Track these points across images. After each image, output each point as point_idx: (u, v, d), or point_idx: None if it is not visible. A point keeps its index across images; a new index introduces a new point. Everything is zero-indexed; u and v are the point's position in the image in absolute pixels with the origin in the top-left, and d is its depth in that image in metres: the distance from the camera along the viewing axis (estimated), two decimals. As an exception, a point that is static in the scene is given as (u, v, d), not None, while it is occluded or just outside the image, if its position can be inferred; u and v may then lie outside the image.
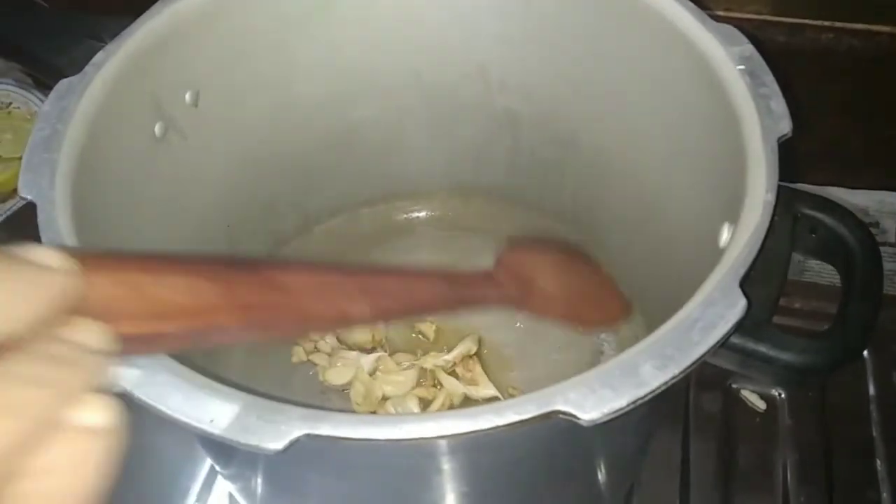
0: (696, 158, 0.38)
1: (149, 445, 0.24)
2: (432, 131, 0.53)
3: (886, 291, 0.60)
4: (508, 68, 0.48)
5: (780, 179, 0.72)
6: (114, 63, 0.37)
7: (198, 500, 0.49)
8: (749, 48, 0.35)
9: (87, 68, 0.37)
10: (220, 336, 0.22)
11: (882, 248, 0.65)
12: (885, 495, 0.47)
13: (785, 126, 0.32)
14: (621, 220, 0.49)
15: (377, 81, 0.49)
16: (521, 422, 0.24)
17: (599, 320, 0.41)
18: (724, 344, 0.28)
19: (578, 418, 0.24)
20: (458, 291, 0.32)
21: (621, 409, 0.25)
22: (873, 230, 0.67)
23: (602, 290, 0.41)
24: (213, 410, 0.25)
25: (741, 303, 0.27)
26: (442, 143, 0.54)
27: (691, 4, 0.38)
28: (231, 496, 0.48)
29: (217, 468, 0.44)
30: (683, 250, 0.40)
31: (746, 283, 0.29)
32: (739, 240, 0.29)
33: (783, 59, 0.62)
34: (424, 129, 0.53)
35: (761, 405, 0.52)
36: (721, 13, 0.63)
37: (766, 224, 0.29)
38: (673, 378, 0.25)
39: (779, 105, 0.33)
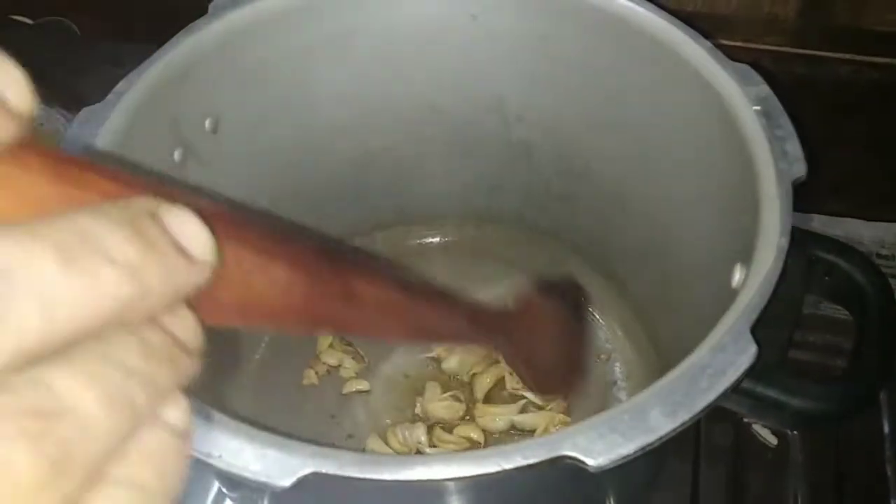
0: (709, 197, 0.38)
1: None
2: (449, 160, 0.53)
3: None
4: (525, 102, 0.48)
5: (797, 210, 0.72)
6: (135, 91, 0.38)
7: (206, 521, 0.49)
8: (765, 89, 0.35)
9: (109, 96, 0.37)
10: (276, 327, 0.19)
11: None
12: (897, 537, 0.46)
13: (800, 169, 0.32)
14: (633, 255, 0.49)
15: (395, 111, 0.50)
16: (529, 466, 0.24)
17: (552, 391, 0.43)
18: (734, 390, 0.28)
19: (586, 464, 0.24)
20: (454, 329, 0.31)
21: (629, 455, 0.25)
22: (889, 263, 0.66)
23: (571, 363, 0.43)
24: (221, 444, 0.25)
25: (752, 349, 0.27)
26: (458, 172, 0.54)
27: (708, 43, 0.38)
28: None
29: (225, 491, 0.44)
30: (696, 289, 0.40)
31: (758, 327, 0.29)
32: (752, 284, 0.29)
33: (802, 90, 0.63)
34: (441, 158, 0.53)
35: (773, 440, 0.52)
36: (740, 44, 0.63)
37: (779, 269, 0.29)
38: (682, 424, 0.25)
39: (794, 148, 0.33)
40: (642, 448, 0.25)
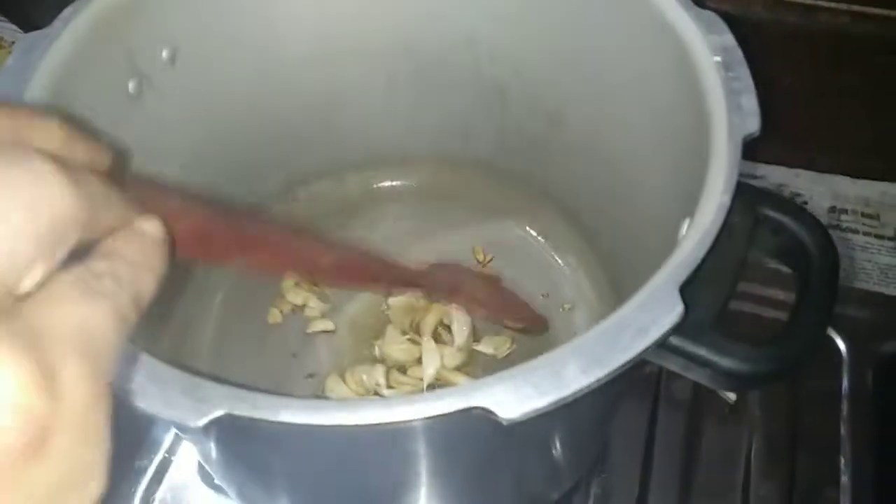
0: (667, 148, 0.37)
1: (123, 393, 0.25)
2: (420, 98, 0.52)
3: (873, 288, 0.59)
4: (496, 42, 0.47)
5: (784, 162, 0.70)
6: (83, 18, 0.37)
7: (168, 451, 0.50)
8: (729, 38, 0.34)
9: (54, 23, 0.36)
10: (215, 248, 0.27)
11: (880, 242, 0.65)
12: (843, 496, 0.47)
13: (752, 124, 0.31)
14: (599, 205, 0.48)
15: (364, 45, 0.48)
16: (440, 416, 0.24)
17: (522, 321, 0.47)
18: (663, 346, 0.28)
19: (497, 416, 0.24)
20: (401, 274, 0.37)
21: (541, 409, 0.25)
22: (873, 223, 0.66)
23: (520, 304, 0.48)
24: (140, 383, 0.25)
25: (678, 308, 0.26)
26: (430, 112, 0.53)
27: (677, -12, 0.36)
28: (199, 449, 0.49)
29: (178, 432, 0.44)
30: (653, 241, 0.39)
31: (694, 285, 0.28)
32: (688, 242, 0.28)
33: (795, 41, 0.61)
34: (412, 95, 0.52)
35: (732, 396, 0.52)
36: (735, -10, 0.61)
37: (718, 227, 0.28)
38: (597, 381, 0.25)
39: (750, 102, 0.32)
40: (555, 402, 0.25)
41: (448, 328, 0.49)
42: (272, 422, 0.24)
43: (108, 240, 0.20)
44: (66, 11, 0.36)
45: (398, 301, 0.50)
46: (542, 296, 0.52)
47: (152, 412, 0.25)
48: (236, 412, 0.24)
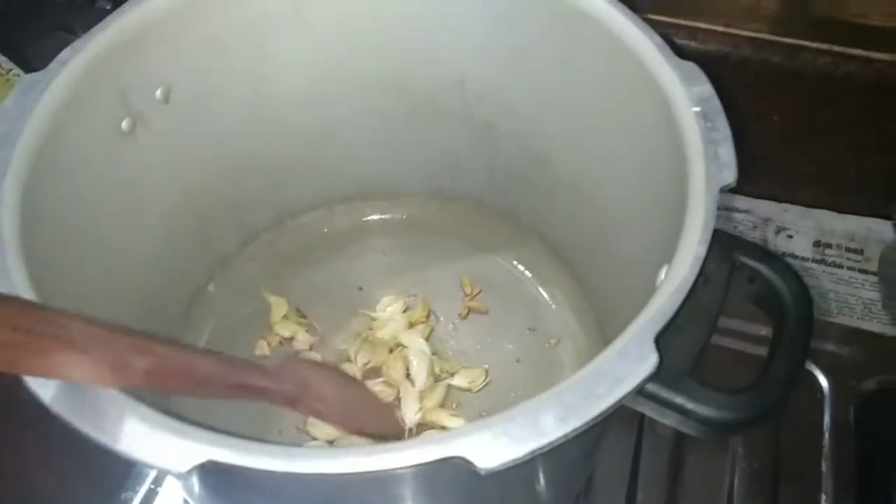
0: (650, 192, 0.38)
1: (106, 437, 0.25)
2: (410, 135, 0.53)
3: (856, 323, 0.60)
4: (485, 82, 0.48)
5: (771, 197, 0.71)
6: (81, 59, 0.38)
7: (154, 483, 0.50)
8: (707, 89, 0.35)
9: (51, 65, 0.37)
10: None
11: (863, 276, 0.66)
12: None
13: (729, 176, 0.32)
14: (586, 243, 0.49)
15: (355, 83, 0.49)
16: (419, 465, 0.25)
17: (374, 432, 0.43)
18: (640, 393, 0.29)
19: (475, 466, 0.25)
20: (237, 376, 0.34)
21: (518, 458, 0.25)
22: (857, 257, 0.67)
23: (375, 408, 0.45)
24: (125, 428, 0.26)
25: (653, 358, 0.27)
26: (420, 148, 0.54)
27: (659, 39, 0.37)
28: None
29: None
30: (636, 284, 0.40)
31: (670, 332, 0.29)
32: (664, 292, 0.29)
33: (780, 80, 0.62)
34: (402, 132, 0.53)
35: (715, 431, 0.52)
36: (721, 28, 0.62)
37: (693, 278, 0.29)
38: (574, 430, 0.26)
39: (727, 153, 0.33)
40: (532, 452, 0.25)
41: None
42: (258, 470, 0.25)
43: None
44: (64, 53, 0.37)
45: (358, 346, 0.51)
46: (529, 330, 0.53)
47: (136, 458, 0.25)
48: (219, 459, 0.25)
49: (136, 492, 0.49)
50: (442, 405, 0.49)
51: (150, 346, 0.29)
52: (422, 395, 0.48)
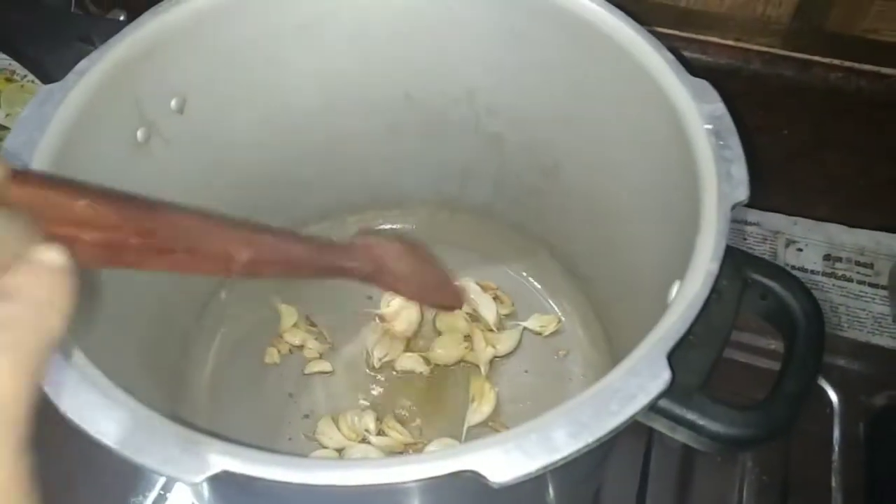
0: (661, 209, 0.38)
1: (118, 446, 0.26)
2: (420, 147, 0.53)
3: (866, 337, 0.60)
4: (495, 95, 0.48)
5: (781, 210, 0.71)
6: (98, 70, 0.38)
7: (163, 489, 0.50)
8: (720, 107, 0.35)
9: (69, 76, 0.37)
10: (127, 255, 0.25)
11: (873, 290, 0.66)
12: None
13: (741, 193, 0.32)
14: (595, 256, 0.49)
15: (367, 98, 0.50)
16: (431, 479, 0.25)
17: (440, 303, 0.47)
18: (651, 409, 0.29)
19: (487, 480, 0.25)
20: (326, 258, 0.36)
21: (530, 473, 0.25)
22: (867, 271, 0.66)
23: (441, 279, 0.46)
24: (138, 439, 0.26)
25: (665, 375, 0.27)
26: (430, 160, 0.54)
27: (670, 55, 0.37)
28: (195, 489, 0.50)
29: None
30: (646, 298, 0.40)
31: (682, 348, 0.29)
32: (676, 309, 0.29)
33: (790, 94, 0.62)
34: (412, 143, 0.53)
35: (724, 444, 0.52)
36: (731, 43, 0.62)
37: (706, 295, 0.29)
38: (586, 446, 0.26)
39: (740, 171, 0.33)
40: (545, 467, 0.25)
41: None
42: (271, 481, 0.25)
43: (4, 278, 0.18)
44: (82, 64, 0.38)
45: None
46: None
47: (150, 467, 0.26)
48: (233, 469, 0.25)
49: (145, 496, 0.50)
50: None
51: (253, 237, 0.30)
52: (492, 340, 0.51)
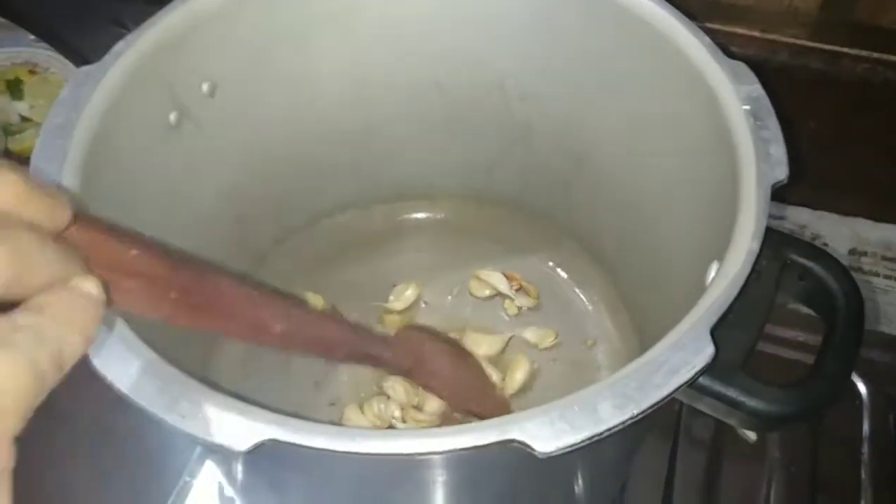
0: (696, 192, 0.38)
1: (144, 420, 0.26)
2: (450, 138, 0.53)
3: (894, 332, 0.59)
4: (526, 83, 0.48)
5: (806, 204, 0.71)
6: (132, 53, 0.38)
7: (189, 474, 0.50)
8: (757, 88, 0.35)
9: (105, 58, 0.38)
10: (163, 307, 0.26)
11: (901, 285, 0.65)
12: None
13: (781, 173, 0.32)
14: (624, 244, 0.49)
15: (396, 85, 0.50)
16: (478, 447, 0.25)
17: (479, 412, 0.43)
18: (692, 385, 0.29)
19: (533, 449, 0.25)
20: (361, 344, 0.35)
21: (576, 444, 0.25)
22: (893, 266, 0.66)
23: (484, 389, 0.46)
24: (184, 406, 0.26)
25: (709, 350, 0.27)
26: (458, 150, 0.54)
27: (707, 38, 0.37)
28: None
29: (204, 452, 0.45)
30: (678, 282, 0.40)
31: (723, 327, 0.29)
32: (718, 285, 0.29)
33: (818, 86, 0.62)
34: (442, 135, 0.53)
35: (752, 436, 0.52)
36: (758, 34, 0.62)
37: (747, 272, 0.29)
38: (631, 418, 0.26)
39: (778, 150, 0.33)
40: (589, 438, 0.25)
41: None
42: (318, 448, 0.25)
43: (39, 295, 0.20)
44: (118, 46, 0.38)
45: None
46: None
47: (199, 436, 0.26)
48: (281, 438, 0.25)
49: (174, 484, 0.50)
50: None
51: (291, 311, 0.31)
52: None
